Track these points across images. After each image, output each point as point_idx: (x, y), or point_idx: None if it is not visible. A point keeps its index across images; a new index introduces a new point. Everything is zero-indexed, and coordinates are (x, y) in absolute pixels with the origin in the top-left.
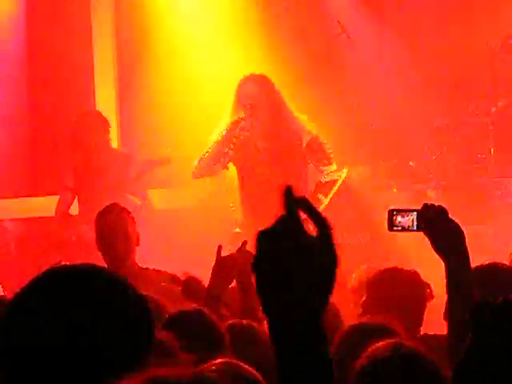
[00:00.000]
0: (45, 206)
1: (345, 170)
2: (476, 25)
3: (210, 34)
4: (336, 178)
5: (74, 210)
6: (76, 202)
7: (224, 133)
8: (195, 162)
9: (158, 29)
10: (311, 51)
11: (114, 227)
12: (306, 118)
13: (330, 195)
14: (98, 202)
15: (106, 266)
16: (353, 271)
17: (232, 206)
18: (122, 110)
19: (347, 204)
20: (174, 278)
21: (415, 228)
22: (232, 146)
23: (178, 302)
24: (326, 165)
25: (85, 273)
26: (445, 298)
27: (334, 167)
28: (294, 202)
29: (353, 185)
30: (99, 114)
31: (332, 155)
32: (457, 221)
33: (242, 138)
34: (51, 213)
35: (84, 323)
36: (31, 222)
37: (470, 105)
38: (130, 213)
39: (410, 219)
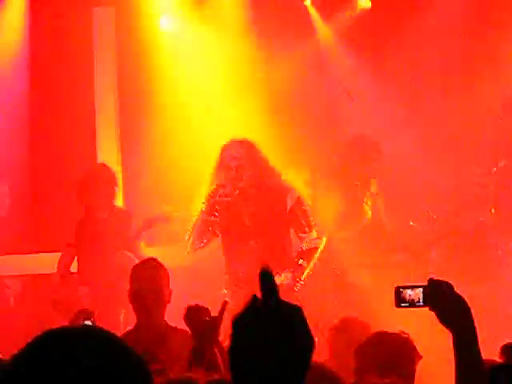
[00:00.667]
0: (45, 263)
1: (324, 238)
2: (478, 87)
3: (213, 85)
4: (317, 245)
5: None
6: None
7: (205, 203)
8: (186, 237)
9: (160, 79)
10: (313, 114)
11: (146, 281)
12: (293, 175)
13: (312, 262)
14: (98, 260)
15: (135, 318)
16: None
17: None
18: (123, 162)
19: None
20: None
21: (422, 303)
22: (217, 214)
23: None
24: (306, 232)
25: (85, 335)
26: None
27: (314, 235)
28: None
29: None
30: (107, 167)
31: (313, 222)
32: (463, 296)
33: (223, 204)
34: (52, 270)
35: None
36: (31, 279)
37: (472, 165)
38: (165, 269)
39: (416, 295)
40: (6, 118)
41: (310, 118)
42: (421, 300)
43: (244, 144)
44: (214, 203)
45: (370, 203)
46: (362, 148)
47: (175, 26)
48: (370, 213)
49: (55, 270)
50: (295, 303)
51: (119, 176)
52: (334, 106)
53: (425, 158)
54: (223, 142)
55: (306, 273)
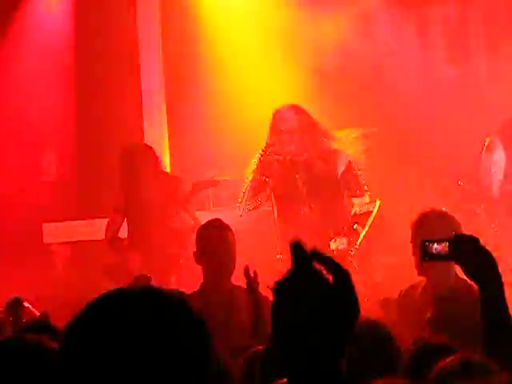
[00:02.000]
0: (93, 229)
1: (378, 202)
2: None
3: (259, 51)
4: (371, 209)
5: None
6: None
7: (256, 162)
8: (238, 199)
9: (205, 51)
10: (357, 74)
11: (216, 241)
12: (348, 134)
13: (367, 226)
14: (146, 225)
15: (202, 279)
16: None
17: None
18: (171, 127)
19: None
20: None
21: (448, 257)
22: (267, 179)
23: None
24: (359, 196)
25: (145, 296)
26: None
27: (366, 199)
28: (306, 256)
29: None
30: (145, 144)
31: (366, 186)
32: (488, 250)
33: (274, 165)
34: (99, 236)
35: (140, 349)
36: (79, 245)
37: None
38: (231, 230)
39: (443, 249)
40: (54, 89)
41: (355, 78)
42: (448, 254)
43: (294, 108)
44: (265, 162)
45: None
46: None
47: None
48: None
49: (103, 236)
50: (350, 268)
51: (165, 141)
52: (378, 66)
53: (471, 117)
54: (270, 105)
55: (361, 237)
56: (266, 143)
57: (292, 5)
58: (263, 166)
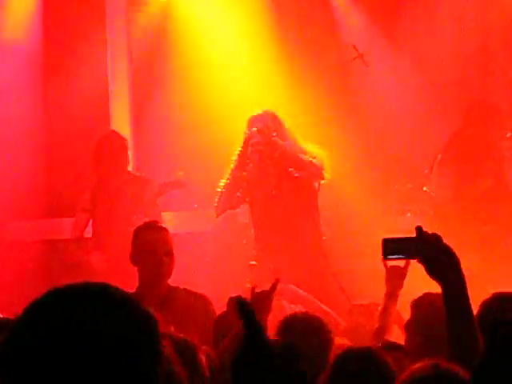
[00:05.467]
0: (62, 228)
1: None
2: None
3: (227, 46)
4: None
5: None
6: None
7: (236, 158)
8: (216, 199)
9: (175, 41)
10: (326, 76)
11: (153, 242)
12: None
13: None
14: (112, 226)
15: (138, 281)
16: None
17: (245, 243)
18: (136, 133)
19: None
20: (201, 297)
21: (410, 256)
22: (247, 171)
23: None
24: None
25: (90, 294)
26: None
27: None
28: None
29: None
30: (119, 135)
31: None
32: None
33: (256, 153)
34: (66, 235)
35: (83, 344)
36: (48, 244)
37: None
38: (168, 231)
39: (404, 247)
40: (21, 87)
41: (323, 79)
42: (409, 252)
43: (268, 112)
44: (245, 154)
45: (492, 170)
46: (483, 112)
47: None
48: (490, 180)
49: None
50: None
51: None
52: (346, 69)
53: (439, 122)
54: (239, 105)
55: None
56: (246, 134)
57: (260, 6)
58: (243, 160)
